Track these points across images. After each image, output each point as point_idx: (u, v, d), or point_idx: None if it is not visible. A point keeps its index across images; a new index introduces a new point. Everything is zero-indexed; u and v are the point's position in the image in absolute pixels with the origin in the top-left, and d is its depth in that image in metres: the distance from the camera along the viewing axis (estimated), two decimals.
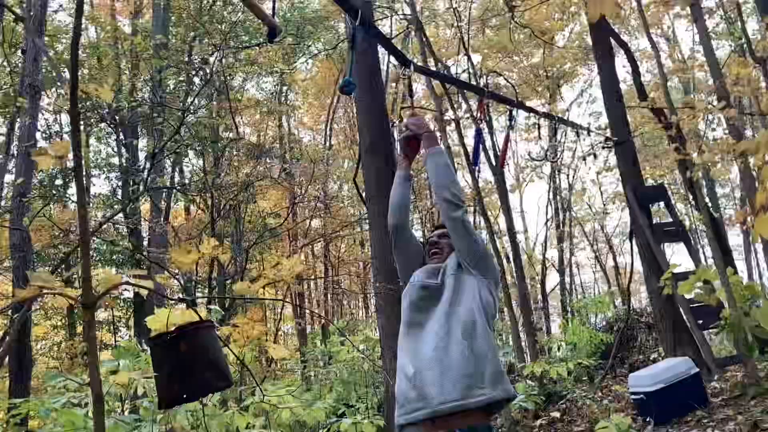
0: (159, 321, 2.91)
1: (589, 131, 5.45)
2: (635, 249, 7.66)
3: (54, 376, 5.38)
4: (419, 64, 10.11)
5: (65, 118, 17.96)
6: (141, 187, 10.45)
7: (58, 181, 17.03)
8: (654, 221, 7.54)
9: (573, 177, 24.55)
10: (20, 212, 7.43)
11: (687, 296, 6.50)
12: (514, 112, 4.34)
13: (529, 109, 4.70)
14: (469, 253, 2.53)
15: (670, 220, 7.35)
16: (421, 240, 3.08)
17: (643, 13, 6.86)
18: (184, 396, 2.64)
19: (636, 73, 8.65)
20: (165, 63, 14.12)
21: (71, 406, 4.91)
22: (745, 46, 8.17)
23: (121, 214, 15.01)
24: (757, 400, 5.19)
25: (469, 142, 15.19)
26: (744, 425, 4.38)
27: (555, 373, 6.09)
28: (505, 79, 13.09)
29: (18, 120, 9.24)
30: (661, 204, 8.15)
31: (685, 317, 6.72)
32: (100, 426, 2.18)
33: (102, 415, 2.17)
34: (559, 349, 9.46)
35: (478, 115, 4.42)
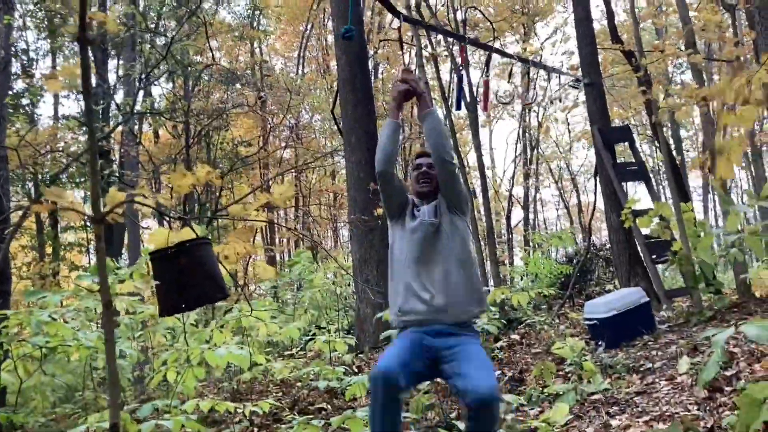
0: (158, 238, 3.12)
1: (560, 73, 5.66)
2: (599, 187, 8.02)
3: (33, 293, 5.51)
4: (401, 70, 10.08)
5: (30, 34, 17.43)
6: (126, 108, 10.35)
7: (25, 100, 16.71)
8: (618, 161, 7.88)
9: (542, 116, 24.82)
10: None
11: (644, 231, 6.92)
12: (491, 58, 4.54)
13: (507, 55, 4.88)
14: (460, 200, 2.97)
15: (633, 160, 7.70)
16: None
17: None
18: (184, 305, 2.90)
19: (610, 14, 8.80)
20: None
21: (53, 320, 5.07)
22: None
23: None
24: (699, 327, 5.68)
25: (445, 77, 15.28)
26: (685, 348, 4.83)
27: (516, 300, 6.48)
28: (482, 13, 13.08)
29: None
30: (626, 144, 8.48)
31: (640, 251, 7.15)
32: (109, 333, 2.35)
33: (111, 322, 2.35)
34: (521, 279, 9.94)
35: (459, 61, 4.60)
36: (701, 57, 5.67)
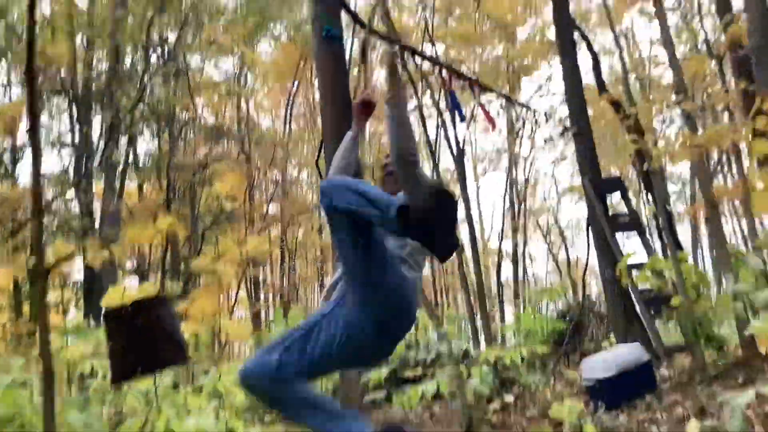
0: (114, 297, 2.82)
1: (548, 117, 5.52)
2: (591, 240, 7.80)
3: None
4: (383, 49, 10.04)
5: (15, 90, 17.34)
6: (96, 164, 10.09)
7: (6, 156, 16.47)
8: (610, 212, 7.70)
9: (529, 170, 24.85)
10: None
11: (639, 286, 6.66)
12: (475, 90, 4.39)
13: (490, 90, 4.73)
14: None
15: (626, 211, 7.52)
16: None
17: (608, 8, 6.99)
18: (140, 370, 2.58)
19: (596, 66, 8.77)
20: (123, 39, 13.74)
21: (16, 386, 4.73)
22: (702, 43, 8.39)
23: (74, 193, 14.59)
24: (703, 386, 5.36)
25: (432, 130, 15.25)
26: (691, 409, 4.51)
27: (509, 359, 6.16)
28: (467, 67, 13.14)
29: None
30: (616, 195, 8.32)
31: (636, 306, 6.88)
32: (48, 401, 2.04)
33: (51, 389, 2.04)
34: (513, 335, 9.61)
35: (447, 86, 4.43)
36: (694, 104, 5.56)
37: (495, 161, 24.83)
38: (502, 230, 24.06)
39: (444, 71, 4.21)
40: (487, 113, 4.53)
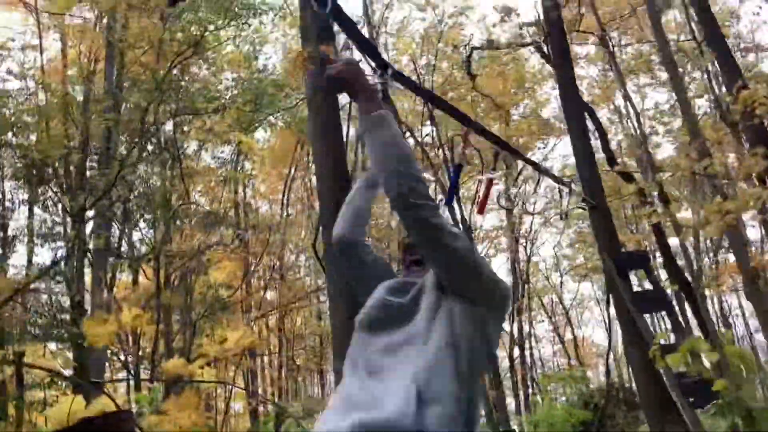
0: (60, 413, 2.25)
1: (569, 186, 5.10)
2: (612, 318, 7.25)
3: None
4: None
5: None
6: (74, 252, 9.59)
7: None
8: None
9: (531, 249, 24.45)
10: None
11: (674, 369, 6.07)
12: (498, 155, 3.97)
13: (514, 151, 4.31)
14: (450, 267, 1.67)
15: (650, 287, 7.00)
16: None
17: (622, 75, 6.76)
18: None
19: (604, 138, 8.48)
20: (116, 128, 13.57)
21: None
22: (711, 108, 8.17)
23: (64, 285, 14.07)
24: None
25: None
26: None
27: None
28: (469, 143, 12.93)
29: None
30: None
31: (672, 393, 6.25)
32: None
33: None
34: (534, 428, 8.86)
35: (461, 150, 3.96)
36: (722, 169, 5.18)
37: (496, 241, 24.39)
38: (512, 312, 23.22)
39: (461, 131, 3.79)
40: (487, 193, 4.02)
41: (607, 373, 8.18)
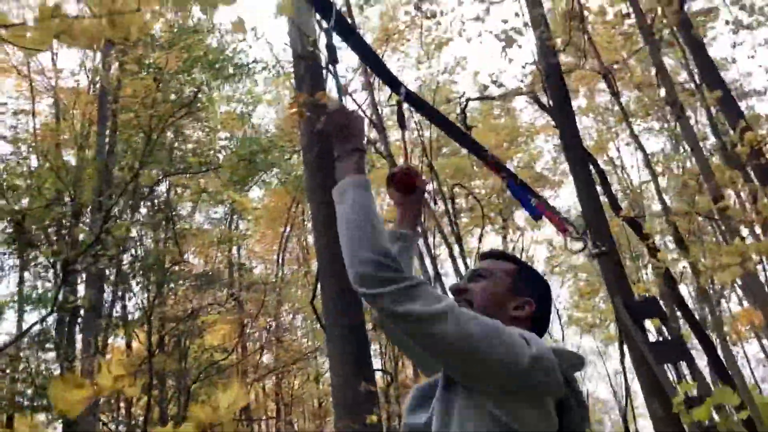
0: None
1: (583, 232, 4.88)
2: (624, 370, 6.92)
3: None
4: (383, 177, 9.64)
5: None
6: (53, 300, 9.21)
7: None
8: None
9: None
10: None
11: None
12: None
13: (535, 193, 4.10)
14: (443, 356, 1.39)
15: (668, 336, 6.70)
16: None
17: (627, 114, 6.65)
18: None
19: (605, 184, 8.32)
20: (108, 189, 13.38)
21: None
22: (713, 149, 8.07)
23: (54, 353, 13.63)
24: None
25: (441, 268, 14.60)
26: None
27: None
28: (470, 192, 12.86)
29: None
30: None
31: None
32: None
33: None
34: None
35: (502, 177, 3.73)
36: (738, 210, 4.97)
37: None
38: None
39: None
40: (555, 217, 3.78)
41: (625, 426, 7.77)
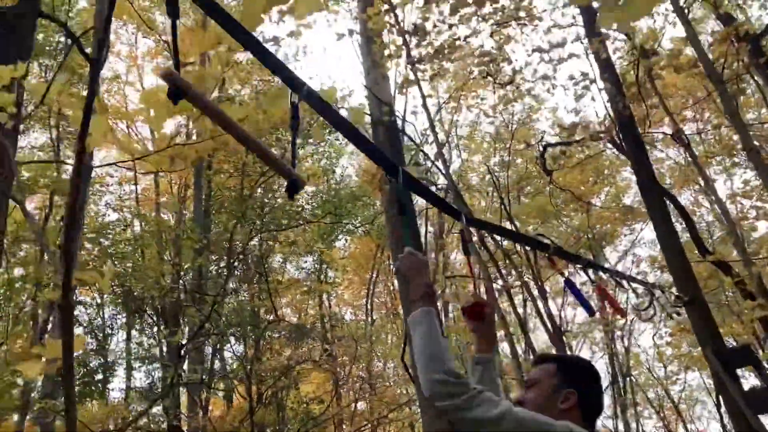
0: None
1: (662, 289, 4.91)
2: (721, 417, 6.69)
3: None
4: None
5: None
6: (171, 380, 9.83)
7: (99, 376, 16.65)
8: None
9: (628, 341, 23.21)
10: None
11: None
12: (589, 272, 3.87)
13: (601, 267, 4.21)
14: None
15: (764, 385, 6.47)
16: None
17: (701, 166, 6.59)
18: None
19: (691, 225, 8.18)
20: (205, 252, 14.18)
21: None
22: None
23: (160, 409, 14.36)
24: None
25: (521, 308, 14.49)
26: None
27: None
28: (548, 239, 12.72)
29: None
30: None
31: None
32: None
33: None
34: None
35: (556, 269, 3.90)
36: None
37: (590, 336, 23.30)
38: (615, 410, 21.73)
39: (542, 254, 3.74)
40: (611, 299, 3.93)
41: None
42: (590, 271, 3.96)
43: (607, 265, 20.42)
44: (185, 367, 13.38)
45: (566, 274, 3.90)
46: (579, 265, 3.74)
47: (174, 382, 8.23)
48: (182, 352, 9.45)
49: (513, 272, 11.02)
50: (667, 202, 8.08)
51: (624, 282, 4.34)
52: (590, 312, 3.84)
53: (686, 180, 19.21)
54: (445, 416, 1.75)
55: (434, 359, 1.77)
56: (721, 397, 6.70)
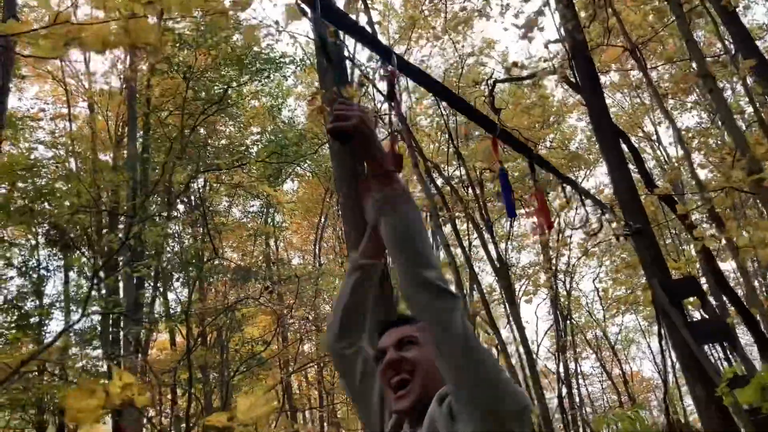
0: None
1: (612, 209, 4.76)
2: (665, 352, 6.77)
3: None
4: (410, 169, 9.59)
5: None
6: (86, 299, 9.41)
7: (34, 319, 16.04)
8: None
9: (570, 284, 23.74)
10: None
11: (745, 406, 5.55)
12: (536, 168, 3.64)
13: (549, 165, 3.99)
14: (477, 386, 1.31)
15: (706, 316, 6.52)
16: None
17: (657, 91, 6.45)
18: None
19: (640, 163, 8.12)
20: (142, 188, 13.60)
21: None
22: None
23: (100, 351, 13.96)
24: None
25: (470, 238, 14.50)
26: None
27: None
28: (493, 184, 12.67)
29: None
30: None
31: None
32: None
33: None
34: None
35: (495, 159, 3.64)
36: None
37: (534, 278, 23.69)
38: (558, 351, 22.30)
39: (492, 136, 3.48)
40: (544, 206, 3.70)
41: (666, 412, 7.61)
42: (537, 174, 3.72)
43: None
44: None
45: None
46: (526, 158, 3.50)
47: (87, 303, 7.74)
48: (99, 274, 8.92)
49: (459, 205, 10.88)
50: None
51: (575, 194, 4.15)
52: (511, 212, 3.63)
53: (633, 125, 19.41)
54: (444, 301, 1.38)
55: (425, 256, 1.41)
56: (662, 331, 6.73)
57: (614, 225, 5.43)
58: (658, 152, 20.86)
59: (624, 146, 7.88)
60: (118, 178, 13.50)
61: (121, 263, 9.82)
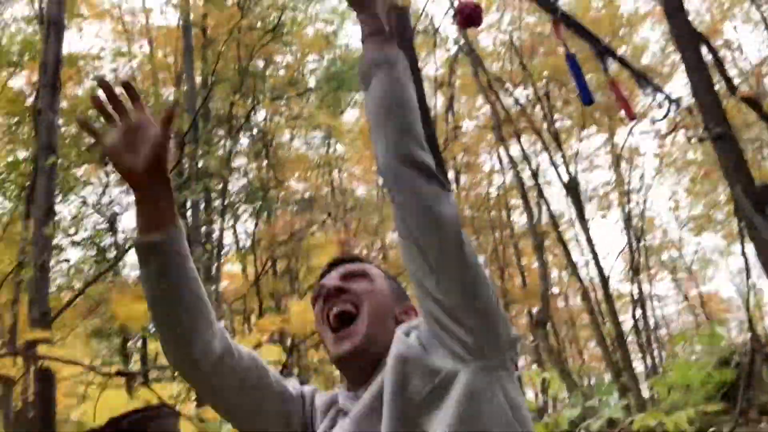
0: (106, 406, 1.93)
1: (675, 101, 4.34)
2: (747, 263, 6.36)
3: None
4: (472, 83, 9.19)
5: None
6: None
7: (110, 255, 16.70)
8: None
9: (644, 204, 22.84)
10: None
11: None
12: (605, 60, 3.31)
13: (619, 58, 3.63)
14: (464, 297, 1.08)
15: None
16: None
17: None
18: None
19: (721, 66, 7.48)
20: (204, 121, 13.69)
21: None
22: None
23: None
24: None
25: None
26: None
27: (673, 425, 4.81)
28: (566, 87, 12.16)
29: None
30: None
31: None
32: None
33: None
34: (668, 393, 8.06)
35: (558, 38, 3.29)
36: None
37: (605, 200, 22.94)
38: (632, 272, 21.66)
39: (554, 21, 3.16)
40: (622, 97, 3.34)
41: (750, 324, 7.20)
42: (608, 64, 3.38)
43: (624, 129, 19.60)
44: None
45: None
46: (594, 49, 3.17)
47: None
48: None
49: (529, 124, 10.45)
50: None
51: (645, 85, 3.78)
52: (587, 98, 3.26)
53: (714, 31, 18.05)
54: (427, 184, 1.11)
55: (416, 131, 1.16)
56: (744, 244, 6.30)
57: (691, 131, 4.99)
58: (739, 59, 19.44)
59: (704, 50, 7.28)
60: (179, 112, 13.60)
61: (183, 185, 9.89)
